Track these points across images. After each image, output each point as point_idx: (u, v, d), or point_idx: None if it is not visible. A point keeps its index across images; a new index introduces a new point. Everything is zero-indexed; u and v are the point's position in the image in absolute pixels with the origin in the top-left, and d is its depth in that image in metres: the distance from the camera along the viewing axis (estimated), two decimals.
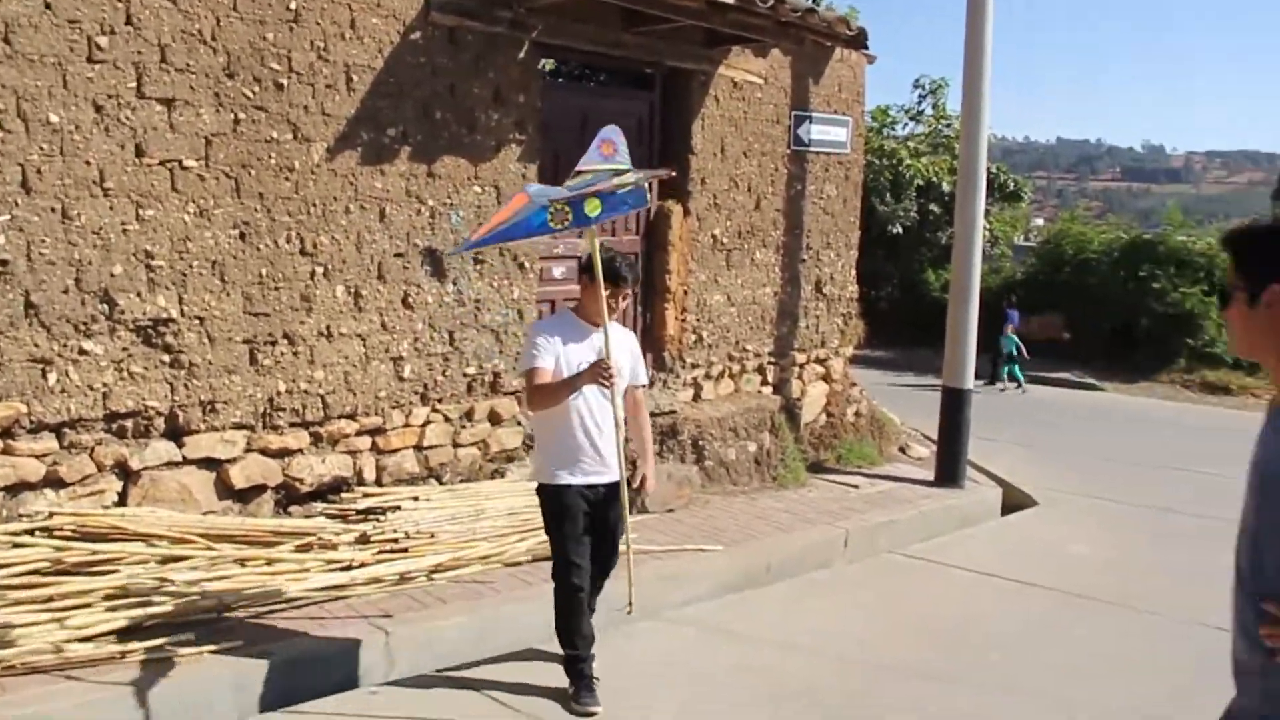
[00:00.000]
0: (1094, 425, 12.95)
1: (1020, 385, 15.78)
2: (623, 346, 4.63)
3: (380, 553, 5.28)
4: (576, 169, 4.45)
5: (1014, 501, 8.63)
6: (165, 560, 4.80)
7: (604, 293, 4.38)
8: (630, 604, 4.66)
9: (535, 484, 4.65)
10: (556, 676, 4.62)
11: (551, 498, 4.50)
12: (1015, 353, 15.89)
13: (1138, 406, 15.22)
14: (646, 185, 4.58)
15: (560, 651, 4.58)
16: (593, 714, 4.39)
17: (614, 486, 4.55)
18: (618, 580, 4.73)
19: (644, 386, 4.91)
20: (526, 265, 6.74)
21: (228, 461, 5.47)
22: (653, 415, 7.49)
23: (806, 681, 4.72)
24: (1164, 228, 19.62)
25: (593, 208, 4.29)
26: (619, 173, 4.39)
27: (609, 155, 4.47)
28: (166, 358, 5.22)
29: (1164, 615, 6.13)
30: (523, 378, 4.49)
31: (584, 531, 4.49)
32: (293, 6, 5.48)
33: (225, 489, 5.47)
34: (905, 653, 5.23)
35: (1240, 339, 2.47)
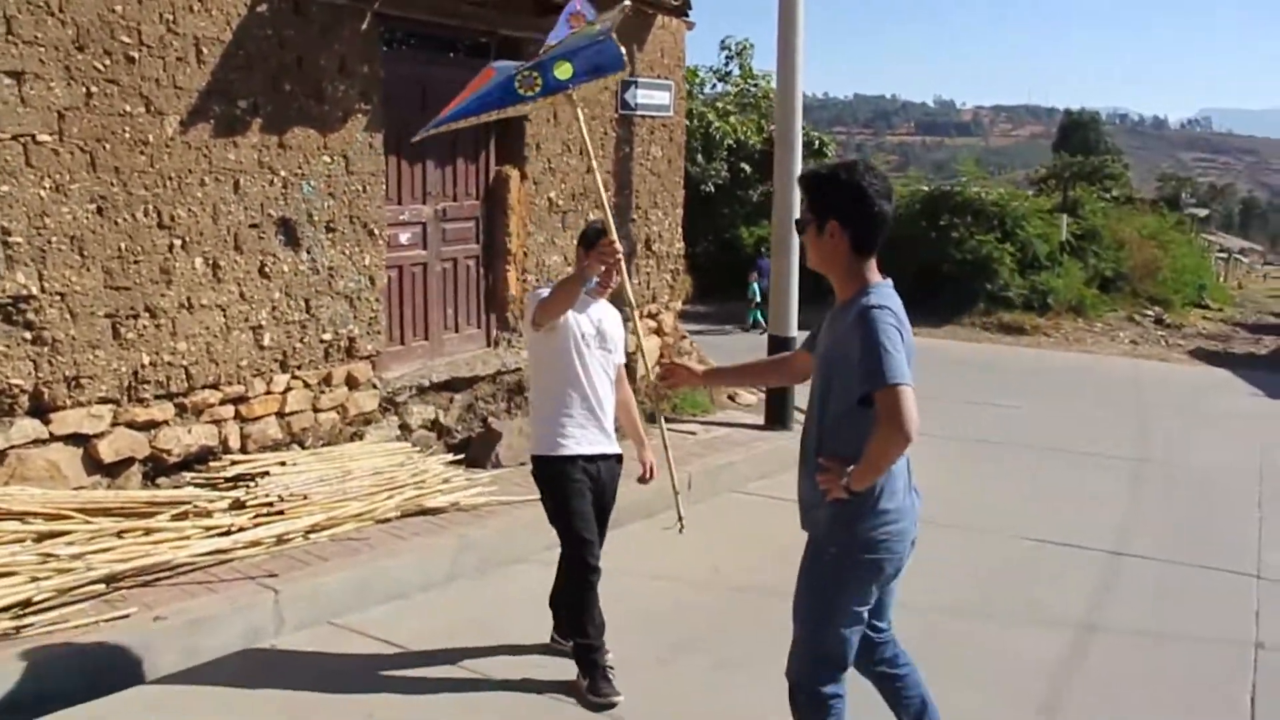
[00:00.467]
0: None
1: (762, 329, 16.54)
2: (615, 321, 4.56)
3: (257, 517, 5.44)
4: (545, 43, 4.29)
5: None
6: (42, 537, 4.83)
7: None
8: (680, 520, 4.55)
9: (531, 456, 4.48)
10: (440, 614, 4.97)
11: (556, 471, 4.31)
12: (758, 298, 16.67)
13: (943, 348, 16.30)
14: (617, 46, 4.34)
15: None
16: (614, 703, 4.23)
17: (614, 460, 4.49)
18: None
19: (620, 370, 4.67)
20: (376, 232, 6.91)
21: (95, 436, 5.50)
22: (499, 374, 7.84)
23: (671, 605, 5.19)
24: (960, 179, 20.91)
25: (563, 71, 4.13)
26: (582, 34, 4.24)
27: (576, 27, 4.32)
28: (28, 335, 5.21)
29: (972, 529, 6.94)
30: (534, 313, 4.30)
31: (587, 502, 4.33)
32: None
33: (94, 464, 5.51)
34: (753, 575, 5.77)
35: (812, 258, 3.26)
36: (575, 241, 8.35)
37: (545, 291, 4.29)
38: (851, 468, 3.02)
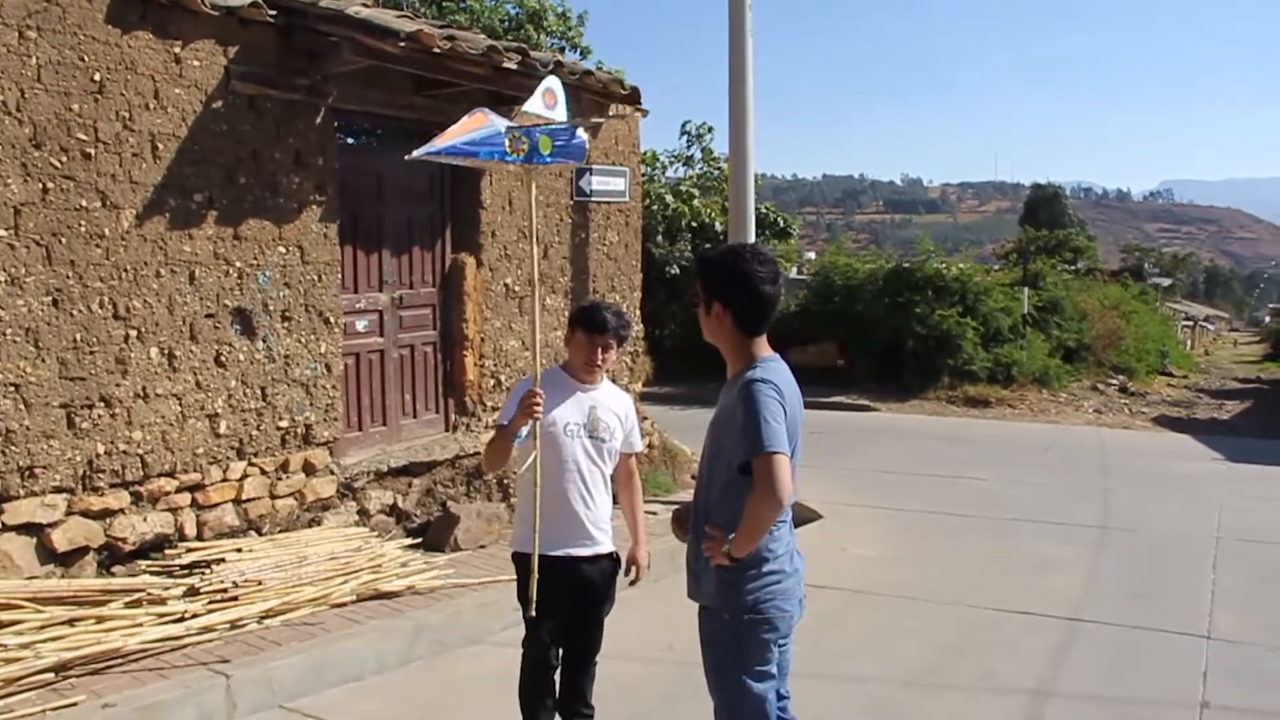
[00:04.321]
0: (870, 443, 14.01)
1: None
2: (616, 408, 4.40)
3: (211, 603, 5.46)
4: (523, 110, 4.40)
5: (801, 517, 9.37)
6: None
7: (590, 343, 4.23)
8: (532, 602, 4.22)
9: (511, 551, 4.40)
10: (394, 697, 4.97)
11: (523, 567, 4.23)
12: None
13: (909, 423, 16.46)
14: (585, 142, 4.57)
15: None
16: None
17: (603, 560, 4.31)
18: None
19: (633, 462, 4.54)
20: (331, 320, 7.01)
21: (49, 526, 5.52)
22: (458, 458, 7.89)
23: (622, 683, 5.21)
24: (919, 257, 21.24)
25: (545, 146, 4.28)
26: (557, 123, 4.39)
27: (551, 105, 4.43)
28: None
29: (931, 600, 7.01)
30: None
31: (558, 604, 4.20)
32: (97, 78, 5.65)
33: (47, 553, 5.52)
34: None
35: (705, 332, 3.47)
36: (529, 324, 8.62)
37: (508, 403, 4.22)
38: (732, 535, 3.18)
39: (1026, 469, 12.29)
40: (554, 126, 4.38)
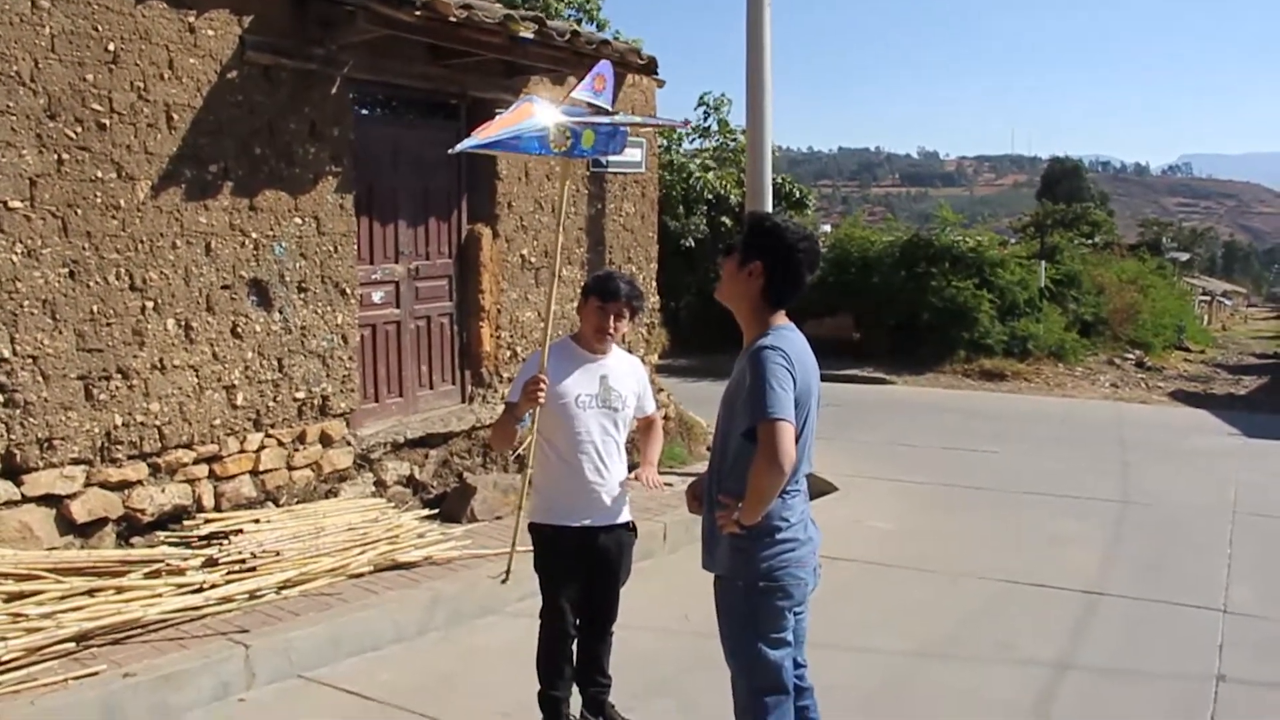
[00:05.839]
0: (886, 416, 13.97)
1: None
2: (628, 374, 4.42)
3: (229, 574, 5.48)
4: (572, 95, 4.41)
5: (817, 489, 9.36)
6: (13, 597, 4.89)
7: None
8: (507, 573, 4.51)
9: (527, 523, 4.43)
10: (410, 667, 5.01)
11: (542, 538, 4.27)
12: None
13: (924, 396, 16.42)
14: (626, 132, 4.56)
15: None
16: None
17: (618, 529, 4.34)
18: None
19: (653, 415, 4.64)
20: (347, 291, 7.01)
21: (68, 497, 5.55)
22: (474, 429, 7.90)
23: (639, 653, 5.22)
24: (937, 228, 21.10)
25: (588, 140, 4.30)
26: (602, 110, 4.40)
27: (600, 91, 4.45)
28: (0, 397, 5.28)
29: (945, 572, 7.00)
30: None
31: (574, 575, 4.25)
32: (111, 48, 5.63)
33: (67, 524, 5.55)
34: None
35: (722, 288, 3.47)
36: (545, 295, 8.60)
37: (533, 366, 4.25)
38: (741, 503, 3.20)
39: (1042, 443, 12.24)
40: (598, 120, 4.34)
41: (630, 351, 9.59)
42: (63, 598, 4.97)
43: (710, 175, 19.94)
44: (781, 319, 3.37)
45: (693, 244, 19.25)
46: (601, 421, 4.27)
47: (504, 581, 4.47)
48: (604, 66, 4.57)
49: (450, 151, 4.40)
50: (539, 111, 4.24)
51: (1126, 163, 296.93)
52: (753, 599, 3.31)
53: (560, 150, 4.26)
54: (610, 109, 4.53)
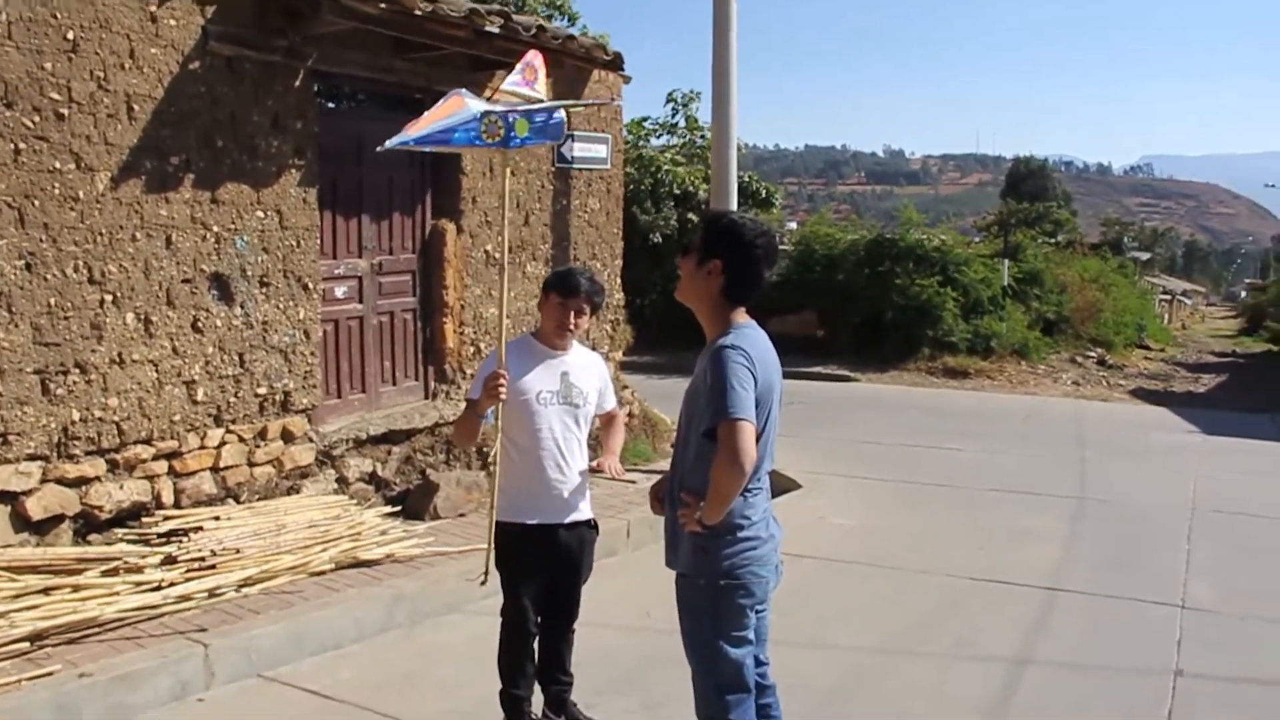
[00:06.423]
0: (849, 413, 14.04)
1: None
2: (589, 370, 4.41)
3: (188, 571, 5.41)
4: (502, 88, 4.38)
5: (780, 486, 9.38)
6: None
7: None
8: (485, 574, 4.41)
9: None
10: (372, 666, 4.97)
11: (505, 535, 4.26)
12: None
13: (888, 394, 16.50)
14: (563, 119, 4.51)
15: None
16: None
17: (580, 526, 4.33)
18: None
19: (615, 411, 4.63)
20: (310, 286, 6.94)
21: (23, 494, 5.46)
22: (437, 425, 7.86)
23: (600, 649, 5.21)
24: (901, 228, 21.23)
25: (522, 128, 4.23)
26: (536, 101, 4.34)
27: (531, 80, 4.41)
28: None
29: (907, 569, 7.06)
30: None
31: (536, 572, 4.24)
32: (70, 36, 5.53)
33: (22, 521, 5.46)
34: None
35: (682, 286, 3.46)
36: (510, 291, 8.55)
37: (494, 362, 4.22)
38: (703, 502, 3.20)
39: (1005, 440, 12.34)
40: (531, 108, 4.31)
41: (595, 348, 9.60)
42: (16, 596, 4.89)
43: (680, 170, 19.94)
44: (743, 317, 3.37)
45: (660, 239, 19.24)
46: (563, 418, 4.27)
47: (483, 583, 4.41)
48: (533, 57, 4.53)
49: (379, 149, 4.31)
50: (469, 103, 4.19)
51: (1089, 163, 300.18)
52: (714, 597, 3.31)
53: (494, 141, 4.21)
54: (544, 99, 4.47)
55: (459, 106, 4.18)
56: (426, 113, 4.23)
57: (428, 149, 4.40)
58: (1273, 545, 7.92)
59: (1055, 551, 7.60)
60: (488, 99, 4.35)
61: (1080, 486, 9.80)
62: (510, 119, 4.23)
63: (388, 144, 4.15)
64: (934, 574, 6.97)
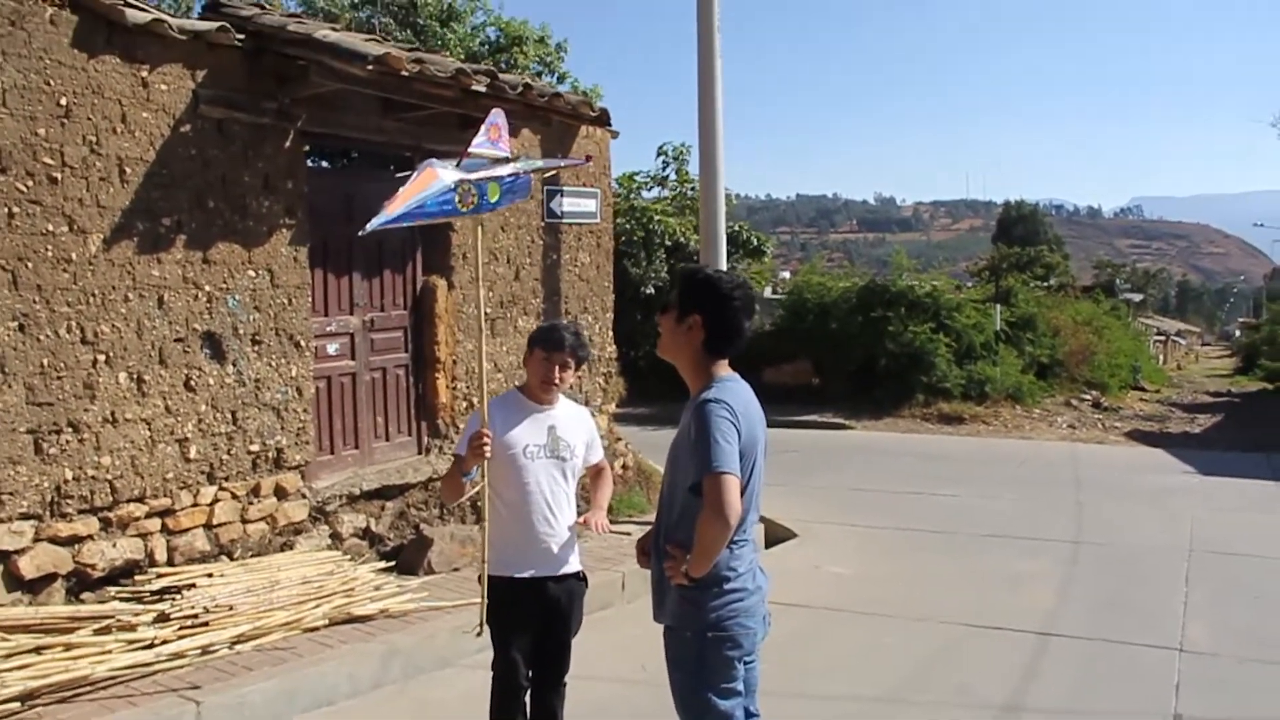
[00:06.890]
0: (844, 461, 14.04)
1: None
2: (576, 424, 4.41)
3: (181, 629, 5.41)
4: (469, 149, 4.42)
5: (776, 536, 9.39)
6: None
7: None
8: (481, 625, 4.38)
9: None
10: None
11: (492, 589, 4.25)
12: None
13: (883, 441, 16.48)
14: (530, 177, 4.61)
15: None
16: None
17: (569, 579, 4.32)
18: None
19: (602, 463, 4.62)
20: (302, 343, 6.99)
21: (16, 553, 5.47)
22: (431, 480, 7.87)
23: (598, 705, 5.20)
24: (893, 274, 21.34)
25: (494, 193, 4.30)
26: (503, 160, 4.42)
27: (495, 140, 4.47)
28: None
29: (905, 617, 7.02)
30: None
31: (525, 626, 4.24)
32: (63, 102, 5.63)
33: (14, 580, 5.46)
34: None
35: (663, 343, 3.50)
36: (502, 346, 8.62)
37: (478, 420, 4.21)
38: (689, 555, 3.22)
39: (1000, 485, 12.35)
40: (498, 172, 4.39)
41: (587, 401, 9.64)
42: (8, 656, 4.88)
43: (672, 220, 20.10)
44: (725, 369, 3.40)
45: (652, 291, 19.34)
46: (550, 471, 4.27)
47: (479, 634, 4.40)
48: (496, 115, 4.60)
49: (361, 234, 4.37)
50: (442, 174, 4.24)
51: (1080, 206, 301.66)
52: (702, 649, 3.31)
53: (468, 209, 4.28)
54: (510, 155, 4.55)
55: (432, 179, 4.23)
56: (402, 189, 4.28)
57: (409, 224, 4.46)
58: (1272, 586, 7.91)
59: (1052, 595, 7.59)
60: (456, 164, 4.42)
61: (1076, 530, 9.79)
62: (483, 186, 4.31)
63: (369, 227, 4.19)
64: (930, 621, 6.95)
